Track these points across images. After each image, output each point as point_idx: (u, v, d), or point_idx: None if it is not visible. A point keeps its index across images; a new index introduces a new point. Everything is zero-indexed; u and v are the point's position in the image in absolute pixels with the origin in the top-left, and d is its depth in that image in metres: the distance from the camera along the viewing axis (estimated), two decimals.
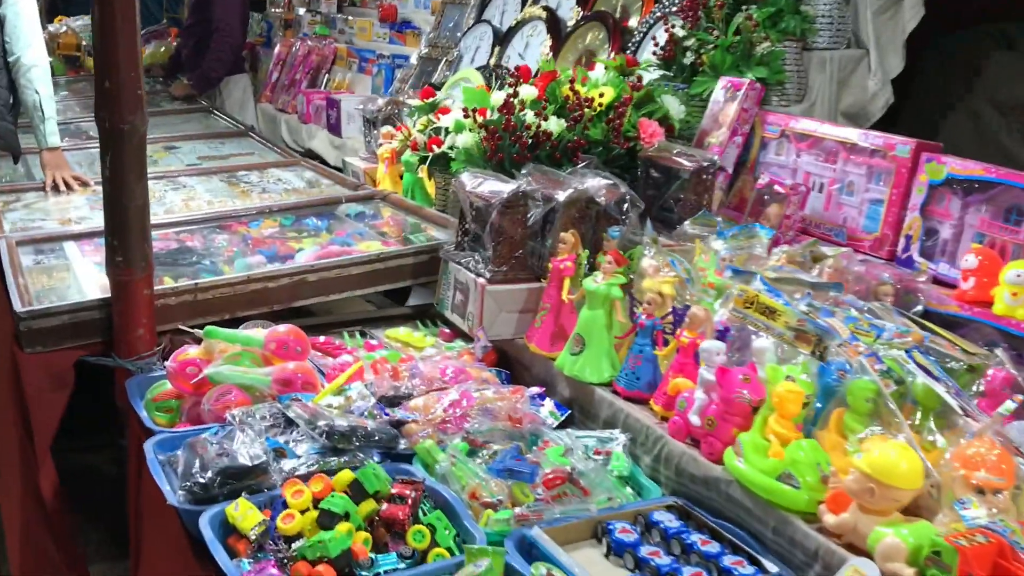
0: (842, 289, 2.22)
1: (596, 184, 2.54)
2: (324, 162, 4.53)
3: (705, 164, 2.69)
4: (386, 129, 3.68)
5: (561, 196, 2.47)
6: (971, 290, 2.23)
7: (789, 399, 1.81)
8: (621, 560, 1.77)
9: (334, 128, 4.70)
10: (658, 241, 2.33)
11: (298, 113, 5.26)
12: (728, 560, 1.71)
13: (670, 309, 2.18)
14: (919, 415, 1.86)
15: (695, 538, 1.78)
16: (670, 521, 1.84)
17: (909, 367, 1.91)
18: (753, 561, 1.72)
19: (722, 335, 2.07)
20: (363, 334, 2.67)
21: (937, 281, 2.34)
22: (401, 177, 3.55)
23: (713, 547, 1.75)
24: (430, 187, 3.40)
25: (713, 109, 2.98)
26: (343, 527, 1.68)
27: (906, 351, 1.95)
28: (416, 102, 3.53)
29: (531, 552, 1.74)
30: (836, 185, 2.68)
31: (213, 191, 3.78)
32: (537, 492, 1.88)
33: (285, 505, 1.74)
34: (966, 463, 1.62)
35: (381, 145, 3.70)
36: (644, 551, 1.74)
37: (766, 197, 2.73)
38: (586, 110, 2.85)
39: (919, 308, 2.26)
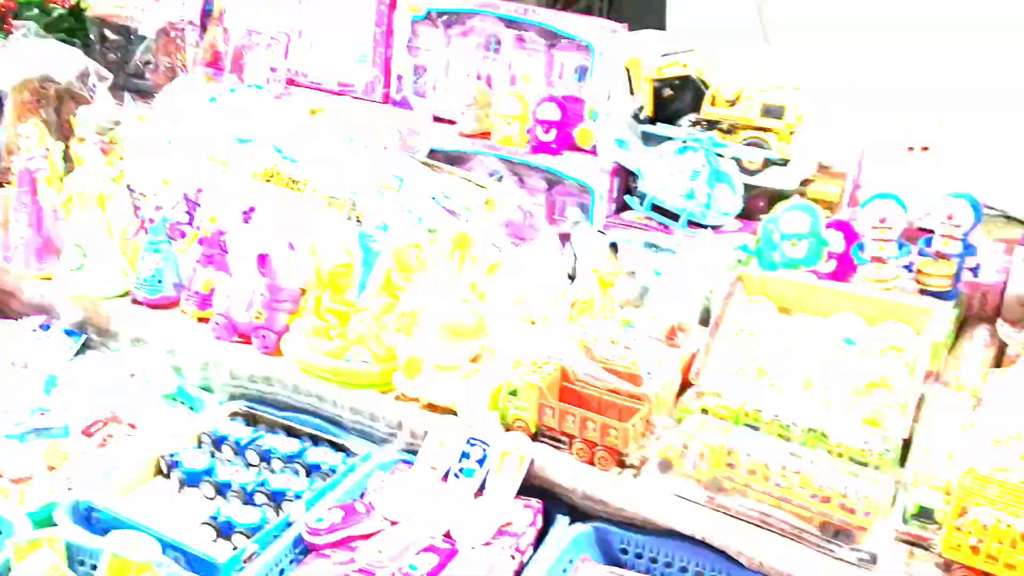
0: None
1: (48, 56, 2.10)
2: None
3: (173, 20, 2.36)
4: None
5: (8, 79, 1.99)
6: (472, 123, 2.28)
7: (340, 274, 1.71)
8: (199, 490, 1.58)
9: None
10: (146, 119, 2.01)
11: None
12: (312, 455, 1.62)
13: (181, 196, 1.91)
14: (457, 256, 1.90)
15: (271, 442, 1.65)
16: (239, 431, 1.68)
17: (437, 215, 1.92)
18: (338, 447, 1.65)
19: (247, 216, 1.88)
20: None
21: (435, 119, 2.35)
22: None
23: (293, 445, 1.64)
24: None
25: None
26: None
27: (432, 197, 1.96)
28: None
29: (91, 518, 1.47)
30: (312, 30, 2.53)
31: None
32: (79, 445, 1.58)
33: None
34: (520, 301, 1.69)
35: None
36: (222, 474, 1.57)
37: (246, 50, 2.49)
38: None
39: (426, 149, 2.27)
